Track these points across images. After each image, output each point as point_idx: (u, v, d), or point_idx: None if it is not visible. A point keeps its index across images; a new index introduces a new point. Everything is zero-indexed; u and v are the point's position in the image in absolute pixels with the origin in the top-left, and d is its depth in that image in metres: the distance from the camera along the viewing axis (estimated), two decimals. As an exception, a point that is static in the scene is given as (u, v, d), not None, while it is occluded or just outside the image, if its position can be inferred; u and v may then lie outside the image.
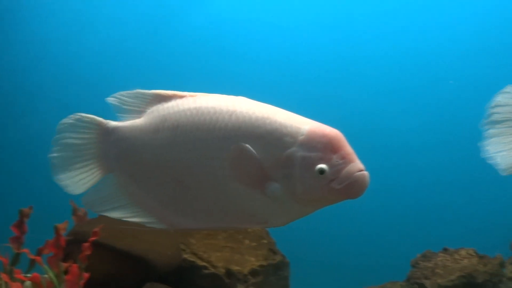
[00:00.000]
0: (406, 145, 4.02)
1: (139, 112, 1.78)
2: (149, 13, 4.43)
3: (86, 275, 1.89)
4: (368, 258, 3.68)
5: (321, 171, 1.52)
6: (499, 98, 2.03)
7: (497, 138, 2.00)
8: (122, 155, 1.76)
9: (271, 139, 1.59)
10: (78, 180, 1.72)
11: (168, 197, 1.73)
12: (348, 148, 1.55)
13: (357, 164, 1.53)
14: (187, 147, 1.66)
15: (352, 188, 1.52)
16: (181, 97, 1.73)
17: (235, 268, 2.43)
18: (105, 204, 1.74)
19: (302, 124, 1.59)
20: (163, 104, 1.74)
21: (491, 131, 2.01)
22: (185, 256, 2.37)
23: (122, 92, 1.76)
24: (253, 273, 2.47)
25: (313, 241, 3.78)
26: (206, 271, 2.38)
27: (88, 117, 1.74)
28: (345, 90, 4.20)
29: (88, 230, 2.05)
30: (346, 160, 1.52)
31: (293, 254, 2.78)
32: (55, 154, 1.72)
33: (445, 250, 3.02)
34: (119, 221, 1.78)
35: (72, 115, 1.72)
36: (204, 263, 2.38)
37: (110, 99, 1.76)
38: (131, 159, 1.76)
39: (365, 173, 1.53)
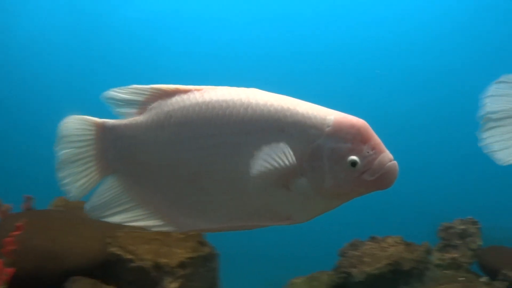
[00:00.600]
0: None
1: (137, 109, 1.73)
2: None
3: (10, 270, 1.89)
4: (296, 248, 3.73)
5: (353, 163, 1.49)
6: (494, 88, 2.08)
7: (494, 129, 2.08)
8: (122, 154, 1.74)
9: (294, 132, 1.55)
10: (80, 185, 1.70)
11: (178, 197, 1.71)
12: (376, 138, 1.54)
13: (388, 154, 1.51)
14: (198, 144, 1.63)
15: (384, 179, 1.50)
16: (185, 91, 1.68)
17: (163, 260, 2.48)
18: (108, 209, 1.72)
19: (326, 115, 1.55)
20: (166, 100, 1.71)
21: (488, 121, 2.09)
22: (112, 249, 2.41)
23: (116, 89, 1.70)
24: (182, 265, 2.53)
25: (241, 232, 3.74)
26: (133, 264, 2.43)
27: (82, 118, 1.72)
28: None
29: (12, 224, 2.05)
30: (376, 151, 1.51)
31: (222, 246, 2.86)
32: (57, 160, 1.71)
33: (372, 238, 3.14)
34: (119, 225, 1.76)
35: (66, 118, 1.71)
36: (131, 256, 2.42)
37: (105, 96, 1.70)
38: (133, 159, 1.73)
39: (395, 162, 1.50)
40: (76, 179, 1.69)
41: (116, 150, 1.71)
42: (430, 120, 4.00)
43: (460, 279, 3.12)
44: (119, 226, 2.56)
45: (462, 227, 3.38)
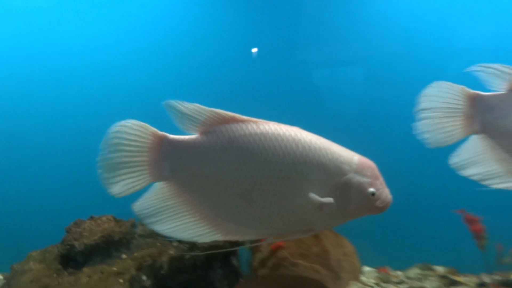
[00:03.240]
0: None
1: (194, 126, 2.07)
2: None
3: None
4: (33, 227, 3.97)
5: (373, 193, 1.99)
6: (427, 91, 2.61)
7: (426, 121, 2.55)
8: (178, 166, 2.05)
9: (332, 166, 1.97)
10: (125, 184, 2.02)
11: (227, 207, 2.06)
12: (381, 175, 2.06)
13: (387, 188, 2.05)
14: (256, 167, 1.98)
15: (387, 206, 2.04)
16: (243, 121, 2.02)
17: None
18: (156, 213, 2.05)
19: (352, 155, 2.04)
20: (224, 125, 2.04)
21: (422, 115, 2.58)
22: None
23: (180, 102, 2.05)
24: None
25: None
26: None
27: (141, 125, 2.05)
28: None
29: None
30: (383, 186, 2.05)
31: None
32: (104, 157, 2.03)
33: (91, 218, 3.53)
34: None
35: (124, 121, 2.02)
36: None
37: (168, 104, 2.04)
38: (190, 171, 2.05)
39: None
40: (122, 178, 2.00)
41: (172, 161, 2.04)
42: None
43: (158, 244, 3.56)
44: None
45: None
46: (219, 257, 3.40)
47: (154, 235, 3.66)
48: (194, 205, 2.04)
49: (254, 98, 3.84)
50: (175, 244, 3.50)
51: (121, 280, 3.33)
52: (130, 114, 3.10)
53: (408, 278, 3.66)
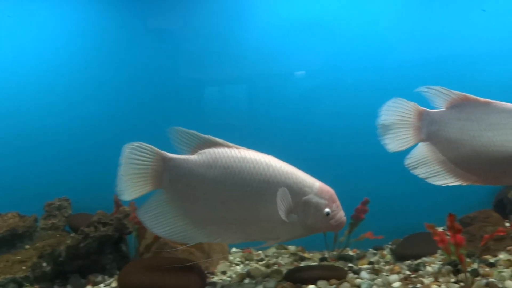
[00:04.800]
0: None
1: (189, 148, 2.35)
2: None
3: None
4: None
5: (327, 213, 2.31)
6: (386, 106, 2.84)
7: (386, 129, 2.80)
8: (175, 178, 2.31)
9: (296, 188, 2.28)
10: (132, 191, 2.26)
11: (211, 212, 2.26)
12: (338, 201, 2.36)
13: (342, 211, 2.38)
14: (234, 182, 2.23)
15: (340, 225, 2.38)
16: (228, 146, 2.29)
17: None
18: (155, 219, 2.26)
19: (314, 181, 2.35)
20: (213, 148, 2.28)
21: (382, 125, 2.82)
22: None
23: (182, 128, 2.31)
24: None
25: None
26: None
27: (147, 146, 2.31)
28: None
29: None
30: (338, 208, 2.38)
31: None
32: (120, 169, 2.25)
33: None
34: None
35: (135, 143, 2.29)
36: None
37: (173, 130, 2.29)
38: (183, 182, 2.30)
39: (345, 217, 2.37)
40: (130, 186, 2.25)
41: (170, 174, 2.31)
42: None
43: (58, 235, 3.95)
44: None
45: (59, 203, 4.22)
46: (110, 244, 3.54)
47: (55, 228, 4.08)
48: (184, 210, 2.30)
49: (153, 113, 4.40)
50: (72, 235, 3.65)
51: (24, 267, 3.50)
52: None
53: (267, 256, 4.11)
